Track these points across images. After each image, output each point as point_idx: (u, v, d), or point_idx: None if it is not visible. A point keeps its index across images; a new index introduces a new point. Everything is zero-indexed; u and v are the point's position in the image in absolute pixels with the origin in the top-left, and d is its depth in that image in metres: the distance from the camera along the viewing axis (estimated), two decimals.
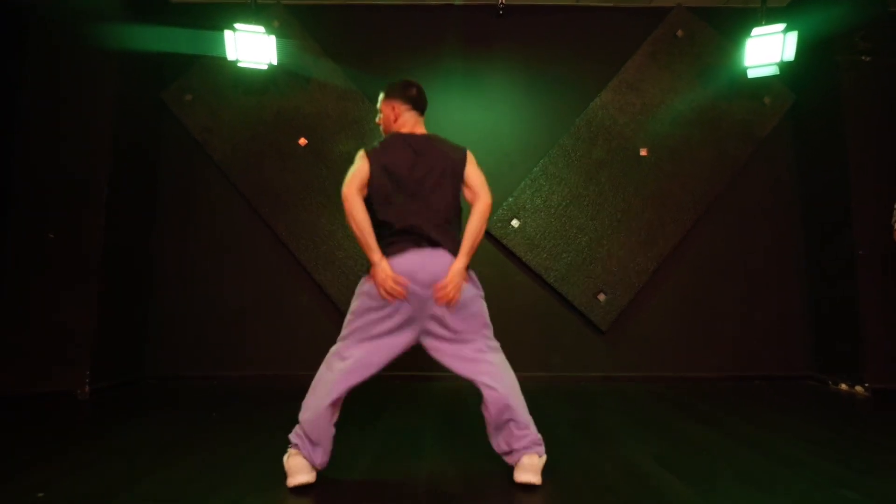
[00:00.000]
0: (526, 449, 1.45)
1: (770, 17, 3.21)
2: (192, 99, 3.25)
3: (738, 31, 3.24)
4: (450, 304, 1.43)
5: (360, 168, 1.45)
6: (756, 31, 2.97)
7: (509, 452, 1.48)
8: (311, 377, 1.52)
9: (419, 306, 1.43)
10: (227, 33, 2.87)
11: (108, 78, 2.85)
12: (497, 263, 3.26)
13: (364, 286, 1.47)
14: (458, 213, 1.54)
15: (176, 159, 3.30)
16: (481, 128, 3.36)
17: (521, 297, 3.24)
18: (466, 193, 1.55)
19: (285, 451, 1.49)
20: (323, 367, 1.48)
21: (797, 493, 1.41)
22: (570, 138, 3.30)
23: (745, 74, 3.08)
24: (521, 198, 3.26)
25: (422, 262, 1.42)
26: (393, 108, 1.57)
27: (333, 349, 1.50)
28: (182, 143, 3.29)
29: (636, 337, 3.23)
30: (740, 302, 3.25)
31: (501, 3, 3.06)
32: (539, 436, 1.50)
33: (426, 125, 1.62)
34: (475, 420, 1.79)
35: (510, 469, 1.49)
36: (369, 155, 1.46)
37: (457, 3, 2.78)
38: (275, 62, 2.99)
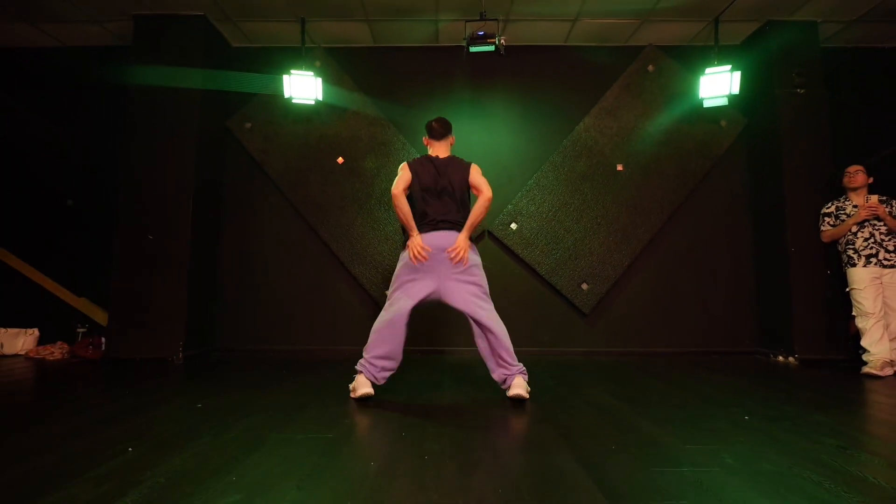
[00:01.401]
0: (515, 374, 2.17)
1: (724, 54, 3.89)
2: (251, 127, 4.01)
3: (699, 66, 3.90)
4: (460, 261, 2.20)
5: (403, 175, 2.25)
6: (708, 70, 3.65)
7: (504, 381, 2.20)
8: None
9: (437, 265, 2.20)
10: (285, 77, 3.61)
11: (192, 112, 3.62)
12: (498, 259, 3.98)
13: (403, 256, 2.27)
14: (466, 206, 2.32)
15: (239, 176, 4.06)
16: (485, 147, 4.07)
17: (518, 286, 3.95)
18: (474, 191, 2.32)
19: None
20: (382, 314, 2.24)
21: (703, 414, 2.09)
22: (558, 156, 4.00)
23: (703, 104, 3.76)
24: (518, 205, 3.97)
25: (440, 237, 2.22)
26: (425, 139, 2.42)
27: (387, 302, 2.26)
28: (243, 162, 4.05)
29: (613, 319, 3.93)
30: (699, 290, 3.93)
31: (502, 44, 3.74)
32: (523, 367, 2.22)
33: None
34: (480, 374, 2.51)
35: (506, 398, 2.21)
36: (410, 165, 2.28)
37: (465, 56, 3.44)
38: (320, 98, 3.73)
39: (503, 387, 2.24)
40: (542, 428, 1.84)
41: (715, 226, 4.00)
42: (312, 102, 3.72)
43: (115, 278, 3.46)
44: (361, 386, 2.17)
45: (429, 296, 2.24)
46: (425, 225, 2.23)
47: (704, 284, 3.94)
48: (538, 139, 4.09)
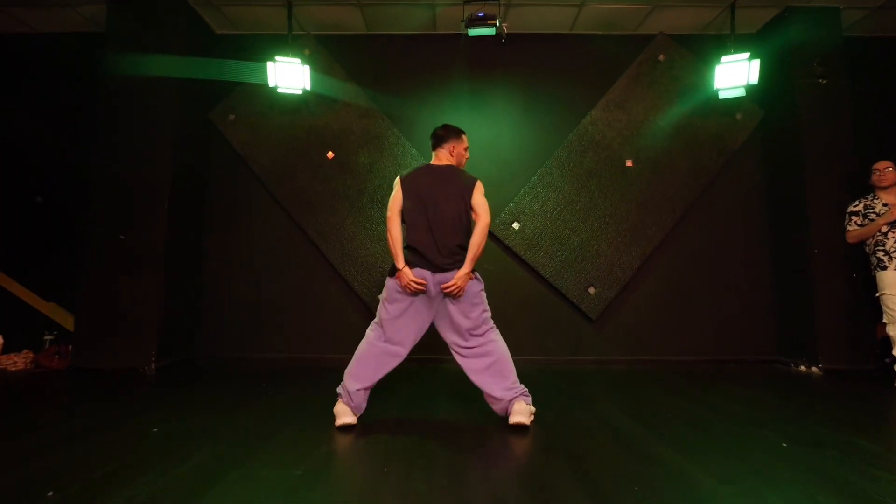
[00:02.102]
0: (516, 398, 1.90)
1: (741, 43, 3.64)
2: (235, 119, 3.75)
3: (713, 55, 3.66)
4: (455, 297, 1.90)
5: (395, 194, 1.97)
6: (725, 58, 3.40)
7: (506, 408, 1.91)
8: (338, 359, 2.01)
9: (433, 297, 1.91)
10: (270, 64, 3.36)
11: (169, 103, 3.36)
12: (500, 261, 3.72)
13: (390, 283, 1.95)
14: (464, 231, 2.00)
15: (221, 171, 3.80)
16: (486, 141, 3.81)
17: (520, 291, 3.69)
18: (472, 215, 2.02)
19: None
20: (372, 338, 1.94)
21: (733, 440, 1.82)
22: (563, 151, 3.75)
23: (718, 95, 3.51)
24: (521, 203, 3.71)
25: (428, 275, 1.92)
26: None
27: (372, 330, 1.96)
28: (226, 156, 3.79)
29: (622, 325, 3.67)
30: (714, 295, 3.68)
31: (503, 32, 3.50)
32: (525, 388, 1.94)
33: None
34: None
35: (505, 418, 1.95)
36: (402, 180, 2.00)
37: (463, 42, 3.21)
38: (308, 87, 3.47)
39: (502, 414, 1.97)
40: (550, 460, 1.58)
41: (730, 225, 3.75)
42: (300, 92, 3.46)
43: (83, 281, 3.20)
44: (341, 415, 1.89)
45: (424, 325, 1.97)
46: (415, 260, 1.90)
47: (719, 288, 3.68)
48: (542, 133, 3.83)
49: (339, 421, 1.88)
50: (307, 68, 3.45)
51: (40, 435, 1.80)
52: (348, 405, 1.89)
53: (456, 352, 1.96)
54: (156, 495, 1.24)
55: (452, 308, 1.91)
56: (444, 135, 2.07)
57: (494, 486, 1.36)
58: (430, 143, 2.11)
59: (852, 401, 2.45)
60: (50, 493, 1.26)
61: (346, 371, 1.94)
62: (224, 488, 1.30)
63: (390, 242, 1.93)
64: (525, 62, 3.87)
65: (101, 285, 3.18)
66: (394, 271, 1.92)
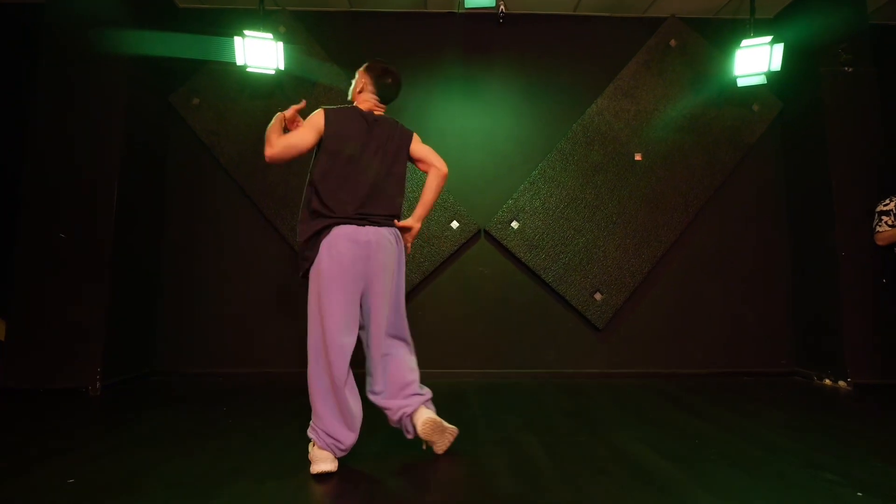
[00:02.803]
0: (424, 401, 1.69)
1: (758, 28, 3.35)
2: (200, 102, 3.33)
3: (728, 41, 3.38)
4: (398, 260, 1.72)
5: (314, 123, 1.64)
6: (745, 42, 3.10)
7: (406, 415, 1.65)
8: None
9: (366, 265, 1.63)
10: (237, 39, 2.95)
11: (118, 82, 2.92)
12: (497, 263, 3.36)
13: (319, 262, 1.64)
14: (402, 191, 1.74)
15: (183, 161, 3.37)
16: (481, 132, 3.46)
17: (520, 296, 3.34)
18: (421, 166, 1.76)
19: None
20: (315, 369, 1.57)
21: (785, 481, 1.51)
22: (567, 143, 3.41)
23: (735, 83, 3.21)
24: (521, 200, 3.37)
25: (367, 233, 1.64)
26: (360, 89, 1.74)
27: (313, 351, 1.59)
28: (189, 145, 3.36)
29: (631, 334, 3.35)
30: (730, 301, 3.38)
31: (502, 11, 3.16)
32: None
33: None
34: (469, 407, 1.88)
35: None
36: (327, 114, 1.64)
37: (459, 10, 2.87)
38: (282, 67, 3.08)
39: (398, 423, 1.68)
40: None
41: (746, 225, 3.45)
42: (272, 72, 3.07)
43: (14, 285, 2.74)
44: (319, 461, 1.50)
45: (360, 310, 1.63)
46: (347, 217, 1.56)
47: (735, 294, 3.39)
48: (543, 123, 3.49)
49: (316, 468, 1.49)
50: (280, 45, 3.05)
51: None
52: (325, 448, 1.52)
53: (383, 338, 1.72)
54: None
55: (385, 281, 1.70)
56: (394, 93, 1.81)
57: None
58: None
59: (891, 423, 2.15)
60: None
61: (313, 412, 1.56)
62: None
63: (279, 145, 1.59)
64: (524, 45, 3.53)
65: (37, 290, 2.73)
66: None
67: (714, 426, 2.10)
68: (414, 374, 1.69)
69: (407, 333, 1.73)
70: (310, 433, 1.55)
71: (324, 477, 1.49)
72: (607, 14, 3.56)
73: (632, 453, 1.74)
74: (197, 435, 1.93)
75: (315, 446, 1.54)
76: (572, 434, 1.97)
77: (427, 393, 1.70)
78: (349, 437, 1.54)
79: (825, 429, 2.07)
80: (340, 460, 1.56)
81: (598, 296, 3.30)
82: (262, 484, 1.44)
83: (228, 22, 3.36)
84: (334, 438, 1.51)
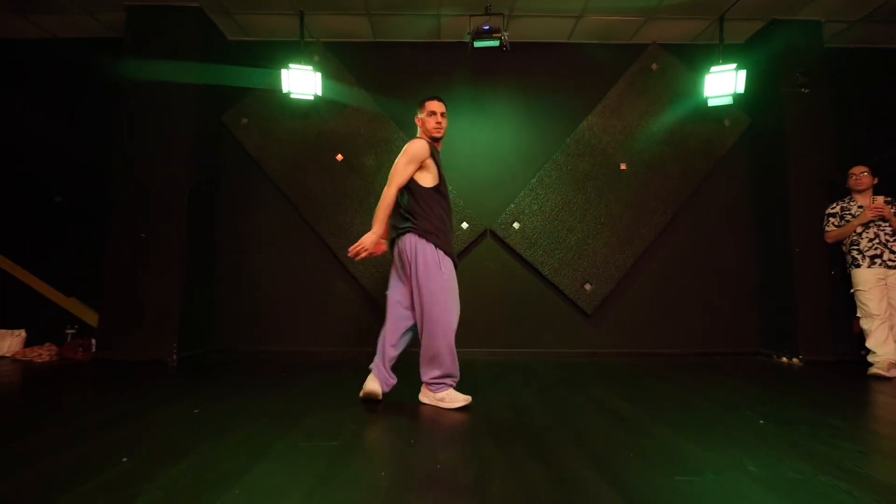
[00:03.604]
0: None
1: (728, 53, 3.86)
2: (248, 122, 3.91)
3: (703, 64, 3.88)
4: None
5: (422, 156, 2.17)
6: (714, 68, 3.61)
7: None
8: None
9: None
10: (284, 71, 3.52)
11: (188, 107, 3.51)
12: (501, 259, 3.92)
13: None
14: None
15: (235, 172, 3.96)
16: (487, 145, 4.00)
17: (520, 287, 3.89)
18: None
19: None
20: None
21: (717, 418, 2.04)
22: (562, 154, 3.95)
23: (707, 103, 3.73)
24: (521, 204, 3.91)
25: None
26: (428, 117, 2.30)
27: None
28: (239, 158, 3.94)
29: (616, 320, 3.88)
30: (703, 291, 3.90)
31: (505, 46, 3.66)
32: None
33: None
34: (483, 377, 2.43)
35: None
36: (430, 147, 2.22)
37: (470, 48, 3.36)
38: (319, 94, 3.64)
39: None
40: (556, 434, 1.78)
41: (718, 225, 3.97)
42: (311, 98, 3.63)
43: (107, 277, 3.35)
44: (460, 398, 2.13)
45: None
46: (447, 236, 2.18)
47: (708, 284, 3.91)
48: (541, 137, 4.03)
49: (365, 389, 2.14)
50: (318, 75, 3.61)
51: (96, 414, 1.96)
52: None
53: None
54: (211, 464, 1.42)
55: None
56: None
57: (509, 453, 1.55)
58: (443, 143, 2.38)
59: (827, 387, 2.69)
60: (124, 459, 1.43)
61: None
62: (273, 457, 1.48)
63: (385, 208, 2.16)
64: (525, 69, 4.06)
65: (124, 281, 3.34)
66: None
67: (675, 387, 2.64)
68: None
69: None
70: (442, 390, 2.13)
71: (371, 401, 2.11)
72: (597, 41, 4.09)
73: (605, 401, 2.29)
74: (269, 387, 2.51)
75: (451, 391, 2.15)
76: (561, 391, 2.52)
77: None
78: None
79: (763, 390, 2.60)
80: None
81: (587, 286, 3.84)
82: (331, 412, 2.02)
83: (271, 52, 3.93)
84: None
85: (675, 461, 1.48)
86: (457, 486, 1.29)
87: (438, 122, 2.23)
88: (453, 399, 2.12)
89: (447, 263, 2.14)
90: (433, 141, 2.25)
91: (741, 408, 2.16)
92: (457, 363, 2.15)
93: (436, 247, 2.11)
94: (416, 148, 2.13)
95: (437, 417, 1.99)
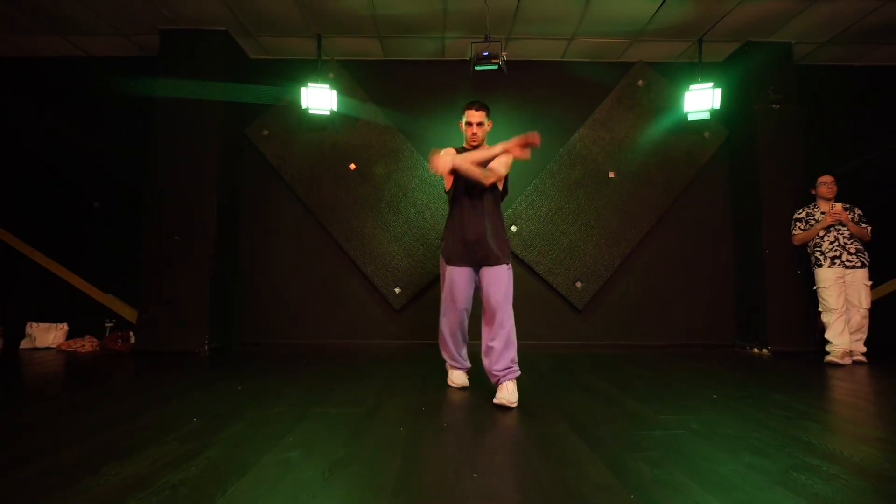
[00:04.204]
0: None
1: (708, 71, 4.21)
2: (269, 134, 4.28)
3: (685, 81, 4.23)
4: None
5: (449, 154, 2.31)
6: (693, 87, 3.97)
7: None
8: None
9: None
10: (303, 90, 3.89)
11: (214, 120, 3.88)
12: None
13: None
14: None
15: (256, 180, 4.33)
16: None
17: (517, 285, 4.22)
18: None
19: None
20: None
21: (679, 394, 2.40)
22: (555, 164, 4.31)
23: (687, 117, 4.09)
24: (518, 209, 4.27)
25: None
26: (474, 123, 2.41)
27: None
28: (261, 167, 4.31)
29: (605, 315, 4.25)
30: (684, 289, 4.27)
31: (504, 64, 3.98)
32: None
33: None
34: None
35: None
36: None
37: (471, 65, 3.71)
38: (335, 109, 4.01)
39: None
40: (542, 402, 2.14)
41: (699, 229, 4.33)
42: (328, 113, 4.00)
43: (143, 276, 3.72)
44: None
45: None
46: (449, 240, 2.33)
47: (689, 283, 4.27)
48: (535, 150, 4.36)
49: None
50: (335, 93, 3.98)
51: (152, 392, 2.34)
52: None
53: None
54: (263, 424, 1.79)
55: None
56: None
57: (503, 418, 1.92)
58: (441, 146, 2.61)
59: (784, 373, 3.04)
60: (195, 420, 1.81)
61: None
62: (312, 419, 1.85)
63: (473, 168, 2.21)
64: (522, 86, 4.42)
65: (158, 279, 3.71)
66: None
67: (651, 372, 3.01)
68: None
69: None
70: (513, 374, 2.15)
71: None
72: (588, 59, 4.45)
73: (589, 384, 2.65)
74: (295, 371, 2.89)
75: (450, 371, 2.49)
76: (552, 376, 2.89)
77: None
78: None
79: (727, 374, 2.96)
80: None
81: (578, 284, 4.20)
82: (352, 390, 2.39)
83: (289, 69, 4.31)
84: None
85: (634, 423, 1.85)
86: (460, 439, 1.66)
87: (474, 133, 2.34)
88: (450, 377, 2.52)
89: (444, 267, 2.33)
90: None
91: (702, 387, 2.52)
92: (449, 351, 2.45)
93: (441, 252, 2.40)
94: (431, 159, 2.28)
95: (441, 394, 2.36)
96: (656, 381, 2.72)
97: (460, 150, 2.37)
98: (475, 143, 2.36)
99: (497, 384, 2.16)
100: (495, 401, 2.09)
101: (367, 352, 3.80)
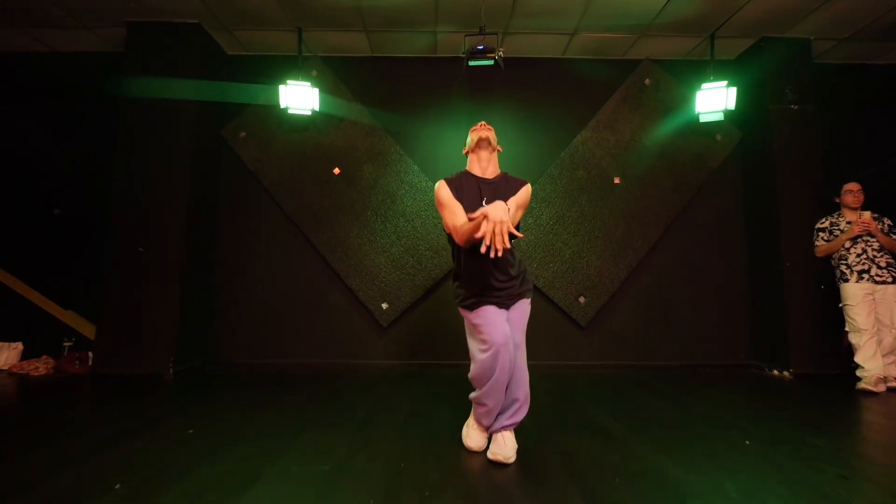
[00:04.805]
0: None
1: (719, 69, 3.92)
2: (246, 136, 3.95)
3: (695, 80, 3.93)
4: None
5: (446, 202, 1.83)
6: (705, 85, 3.67)
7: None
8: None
9: None
10: (282, 87, 3.56)
11: (186, 121, 3.55)
12: None
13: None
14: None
15: (233, 185, 3.99)
16: None
17: None
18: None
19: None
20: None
21: (704, 439, 2.08)
22: (556, 168, 4.00)
23: (699, 118, 3.78)
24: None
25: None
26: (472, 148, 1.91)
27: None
28: (238, 171, 3.98)
29: (609, 332, 3.92)
30: (696, 303, 3.95)
31: (501, 57, 3.71)
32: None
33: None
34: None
35: None
36: (448, 183, 1.88)
37: (465, 60, 3.41)
38: (317, 109, 3.68)
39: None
40: (545, 455, 1.81)
41: (710, 238, 4.02)
42: (309, 113, 3.67)
43: (105, 290, 3.37)
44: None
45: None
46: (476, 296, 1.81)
47: (700, 297, 3.95)
48: (536, 151, 4.08)
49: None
50: (316, 91, 3.66)
51: (91, 434, 1.99)
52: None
53: None
54: (204, 492, 1.45)
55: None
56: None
57: (498, 477, 1.59)
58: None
59: (815, 403, 2.72)
60: (117, 486, 1.46)
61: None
62: (265, 484, 1.51)
63: (466, 233, 1.68)
64: (520, 84, 4.11)
65: (122, 294, 3.36)
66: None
67: (664, 402, 2.68)
68: None
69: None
70: (517, 423, 1.83)
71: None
72: (591, 57, 4.15)
73: (596, 419, 2.32)
74: (263, 404, 2.54)
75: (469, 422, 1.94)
76: (555, 409, 2.56)
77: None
78: None
79: (751, 405, 2.64)
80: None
81: (581, 299, 3.88)
82: (324, 432, 2.05)
83: (270, 66, 3.98)
84: None
85: (659, 487, 1.52)
86: None
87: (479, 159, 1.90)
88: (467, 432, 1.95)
89: (470, 314, 1.88)
90: (477, 143, 1.90)
91: (728, 426, 2.19)
92: (489, 410, 1.83)
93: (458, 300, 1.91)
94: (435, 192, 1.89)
95: (426, 439, 2.02)
96: (673, 417, 2.39)
97: (461, 175, 1.93)
98: (483, 137, 1.88)
99: (491, 433, 1.82)
100: (490, 456, 1.75)
101: (351, 374, 3.46)
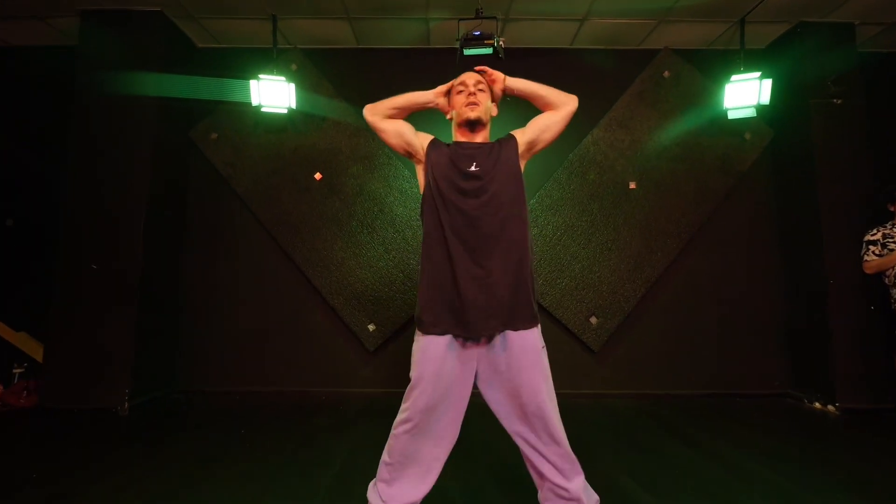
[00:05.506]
0: None
1: (750, 59, 3.47)
2: (218, 137, 3.55)
3: (721, 72, 3.49)
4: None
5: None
6: (735, 77, 3.22)
7: None
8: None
9: None
10: (253, 82, 3.17)
11: (147, 121, 3.17)
12: None
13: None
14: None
15: (203, 192, 3.60)
16: None
17: None
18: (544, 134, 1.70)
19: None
20: None
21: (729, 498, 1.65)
22: (564, 172, 3.56)
23: (726, 114, 3.33)
24: None
25: None
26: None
27: None
28: (208, 177, 3.59)
29: (625, 357, 3.48)
30: (723, 324, 3.49)
31: (501, 46, 3.31)
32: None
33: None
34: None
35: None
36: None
37: (458, 48, 3.02)
38: (294, 106, 3.28)
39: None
40: None
41: (738, 251, 3.57)
42: (285, 111, 3.27)
43: (53, 313, 2.99)
44: None
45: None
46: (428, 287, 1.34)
47: (727, 318, 3.50)
48: (541, 153, 3.61)
49: None
50: (293, 86, 3.25)
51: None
52: None
53: None
54: None
55: None
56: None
57: None
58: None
59: (869, 449, 2.28)
60: None
61: None
62: None
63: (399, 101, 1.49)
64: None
65: (72, 318, 2.98)
66: None
67: (697, 452, 2.24)
68: None
69: None
70: None
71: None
72: (603, 47, 3.71)
73: (611, 475, 1.89)
74: (218, 456, 2.13)
75: None
76: None
77: None
78: None
79: (806, 457, 2.19)
80: None
81: (593, 319, 3.44)
82: (300, 474, 1.63)
83: (244, 61, 3.58)
84: None
85: None
86: None
87: (472, 102, 1.53)
88: None
89: (419, 340, 1.37)
90: (467, 124, 1.54)
91: (773, 484, 1.75)
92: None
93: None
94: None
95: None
96: (707, 471, 1.96)
97: (447, 146, 1.57)
98: (473, 118, 1.53)
99: None
100: None
101: (333, 405, 3.05)
